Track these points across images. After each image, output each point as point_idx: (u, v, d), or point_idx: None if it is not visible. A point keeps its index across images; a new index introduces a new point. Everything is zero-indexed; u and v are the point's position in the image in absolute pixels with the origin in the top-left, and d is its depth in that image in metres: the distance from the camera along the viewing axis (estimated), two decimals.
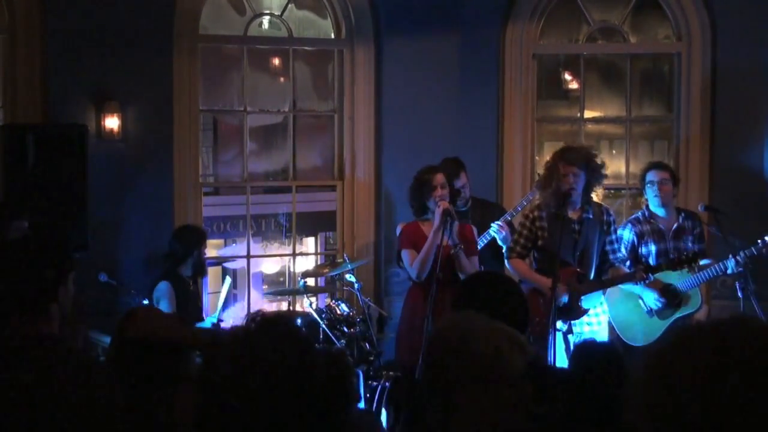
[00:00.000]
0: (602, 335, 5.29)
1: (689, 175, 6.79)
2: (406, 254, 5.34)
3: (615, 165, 7.33)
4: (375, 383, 5.59)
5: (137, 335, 2.51)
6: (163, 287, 5.69)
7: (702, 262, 5.44)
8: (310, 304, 6.18)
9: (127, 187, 6.45)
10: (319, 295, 6.92)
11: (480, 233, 5.66)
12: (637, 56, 7.33)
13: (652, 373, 1.19)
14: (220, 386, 1.70)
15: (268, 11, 7.40)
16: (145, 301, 5.65)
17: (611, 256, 5.37)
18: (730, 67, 6.80)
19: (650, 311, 5.64)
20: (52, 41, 6.27)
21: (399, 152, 6.94)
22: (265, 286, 10.00)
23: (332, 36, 7.28)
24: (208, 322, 5.88)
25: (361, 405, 5.26)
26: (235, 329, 1.81)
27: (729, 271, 5.46)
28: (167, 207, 6.56)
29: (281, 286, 9.54)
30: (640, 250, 5.75)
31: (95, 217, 6.06)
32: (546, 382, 2.33)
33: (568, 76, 7.87)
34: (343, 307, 6.18)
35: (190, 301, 5.84)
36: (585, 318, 5.23)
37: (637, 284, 5.40)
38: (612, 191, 7.37)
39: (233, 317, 7.42)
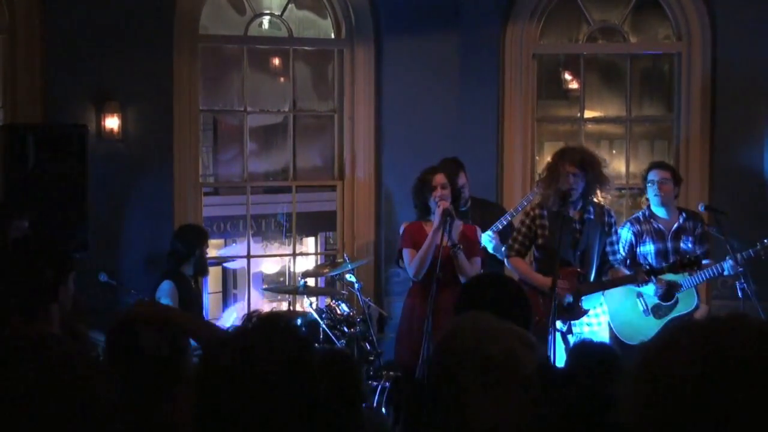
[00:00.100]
0: (602, 336, 5.29)
1: (689, 175, 6.78)
2: (406, 253, 5.34)
3: (615, 165, 7.33)
4: (375, 383, 5.59)
5: (146, 316, 2.52)
6: (165, 286, 5.70)
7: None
8: (310, 304, 6.18)
9: (127, 187, 6.45)
10: (319, 295, 6.92)
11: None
12: (637, 56, 7.33)
13: (641, 370, 1.19)
14: (218, 385, 1.70)
15: (268, 11, 7.40)
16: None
17: (611, 258, 5.37)
18: (730, 67, 6.80)
19: (646, 310, 5.65)
20: (52, 41, 6.27)
21: (399, 152, 6.94)
22: (265, 286, 10.01)
23: (332, 36, 7.28)
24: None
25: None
26: (233, 328, 1.81)
27: (726, 273, 5.46)
28: (167, 207, 6.56)
29: (281, 286, 9.54)
30: (637, 250, 5.76)
31: (95, 217, 6.06)
32: (554, 382, 2.34)
33: (568, 76, 7.87)
34: (343, 307, 6.18)
35: (192, 300, 5.84)
36: (585, 318, 5.23)
37: (639, 286, 5.41)
38: (612, 192, 7.36)
39: (232, 317, 7.43)
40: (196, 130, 6.88)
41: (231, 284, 12.64)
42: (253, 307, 7.59)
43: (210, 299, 7.80)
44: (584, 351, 3.21)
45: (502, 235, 5.80)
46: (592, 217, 5.28)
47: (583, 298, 5.16)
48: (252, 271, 7.73)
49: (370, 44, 7.05)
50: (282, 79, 8.18)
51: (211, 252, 6.53)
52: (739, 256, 5.38)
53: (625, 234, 5.77)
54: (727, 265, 5.41)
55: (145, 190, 6.48)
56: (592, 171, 5.19)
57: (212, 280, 8.96)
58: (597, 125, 7.76)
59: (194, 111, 6.79)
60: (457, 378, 2.11)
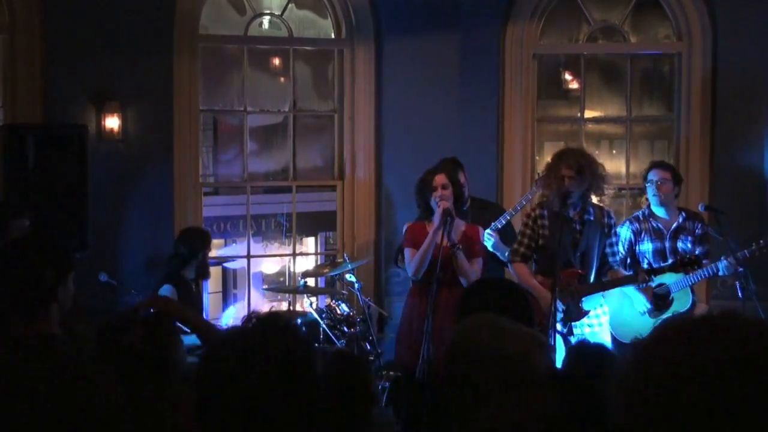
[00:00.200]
0: (604, 336, 5.28)
1: (689, 175, 6.78)
2: (407, 253, 5.34)
3: (615, 165, 7.33)
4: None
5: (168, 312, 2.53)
6: (166, 290, 5.69)
7: None
8: (311, 304, 6.18)
9: (127, 187, 6.45)
10: (319, 295, 6.92)
11: None
12: (637, 56, 7.33)
13: (632, 368, 1.19)
14: (219, 385, 1.70)
15: (268, 11, 7.40)
16: None
17: (611, 259, 5.37)
18: (730, 67, 6.80)
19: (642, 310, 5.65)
20: (52, 41, 6.27)
21: (399, 152, 6.94)
22: (265, 286, 10.00)
23: (332, 36, 7.28)
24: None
25: None
26: (233, 327, 1.81)
27: (721, 273, 5.46)
28: (167, 207, 6.56)
29: (281, 286, 9.53)
30: (636, 248, 5.76)
31: (95, 217, 6.06)
32: (564, 384, 2.34)
33: (568, 76, 7.87)
34: (343, 307, 6.18)
35: (192, 304, 5.83)
36: (586, 320, 5.23)
37: (640, 286, 5.40)
38: (612, 191, 7.35)
39: (233, 317, 7.43)
40: (196, 130, 6.88)
41: (231, 284, 12.63)
42: (253, 307, 7.59)
43: (210, 299, 7.79)
44: (581, 352, 3.21)
45: (502, 234, 5.79)
46: (592, 218, 5.28)
47: (583, 299, 5.16)
48: (252, 271, 7.73)
49: (370, 44, 7.05)
50: (282, 79, 8.18)
51: (211, 252, 6.52)
52: (735, 256, 5.38)
53: (624, 232, 5.77)
54: (722, 265, 5.42)
55: (145, 190, 6.48)
56: (589, 174, 5.18)
57: (212, 280, 8.94)
58: (597, 125, 7.76)
59: (194, 111, 6.79)
60: (473, 379, 2.11)
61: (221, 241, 11.36)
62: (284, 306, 8.44)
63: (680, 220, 5.76)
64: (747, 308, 5.37)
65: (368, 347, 5.95)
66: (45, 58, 6.26)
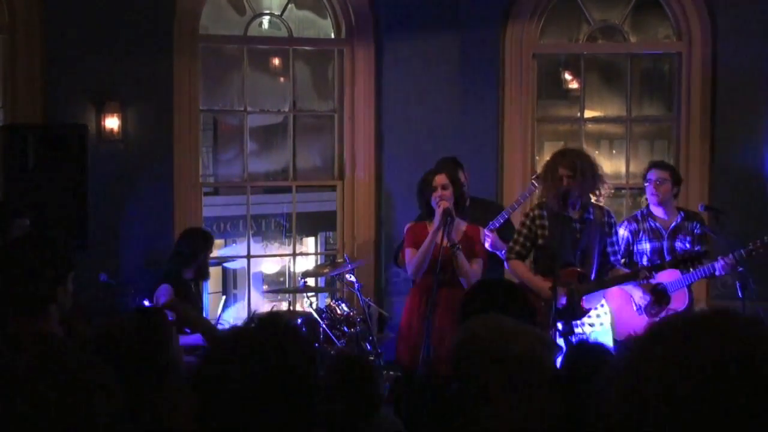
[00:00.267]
0: (605, 336, 5.27)
1: (689, 175, 6.78)
2: (407, 253, 5.33)
3: (615, 165, 7.33)
4: None
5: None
6: (164, 289, 5.68)
7: None
8: (311, 304, 6.18)
9: (127, 187, 6.45)
10: (320, 295, 6.92)
11: None
12: (637, 56, 7.33)
13: (623, 365, 1.19)
14: (218, 384, 1.70)
15: (268, 11, 7.40)
16: (146, 302, 5.65)
17: (612, 258, 5.36)
18: (730, 67, 6.80)
19: (639, 309, 5.65)
20: (52, 41, 6.27)
21: (399, 152, 6.94)
22: (265, 286, 10.01)
23: (332, 36, 7.28)
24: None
25: None
26: (234, 328, 1.81)
27: (717, 273, 5.46)
28: (167, 207, 6.56)
29: (281, 286, 9.54)
30: (634, 248, 5.76)
31: (95, 217, 6.06)
32: (563, 385, 2.34)
33: (568, 76, 7.87)
34: (343, 307, 6.18)
35: (191, 304, 5.82)
36: (587, 319, 5.22)
37: (641, 283, 5.40)
38: (612, 191, 7.34)
39: (233, 317, 7.43)
40: (196, 130, 6.88)
41: (231, 284, 12.65)
42: (253, 307, 7.60)
43: (210, 299, 7.79)
44: (579, 353, 3.21)
45: (501, 232, 5.79)
46: (591, 217, 5.28)
47: (584, 297, 5.15)
48: (252, 271, 7.73)
49: (370, 44, 7.05)
50: (282, 79, 8.19)
51: (212, 252, 6.52)
52: (730, 256, 5.38)
53: (622, 232, 5.77)
54: (719, 265, 5.42)
55: (145, 190, 6.48)
56: (589, 173, 5.18)
57: (212, 280, 8.95)
58: (597, 125, 7.76)
59: (194, 111, 6.79)
60: (479, 379, 2.11)
61: (221, 241, 11.37)
62: (284, 306, 8.44)
63: (678, 219, 5.76)
64: (747, 308, 5.37)
65: (368, 347, 5.95)
66: (45, 58, 6.27)
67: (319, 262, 8.62)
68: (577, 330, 5.15)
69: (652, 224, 5.76)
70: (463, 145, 6.59)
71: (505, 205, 6.48)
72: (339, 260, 6.76)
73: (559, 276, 4.94)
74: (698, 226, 5.77)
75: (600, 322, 5.30)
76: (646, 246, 5.73)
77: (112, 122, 6.35)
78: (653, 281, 5.42)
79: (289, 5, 7.20)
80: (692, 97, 6.93)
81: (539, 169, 5.84)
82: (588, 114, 7.36)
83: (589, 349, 3.34)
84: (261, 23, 7.43)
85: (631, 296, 5.64)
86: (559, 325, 4.93)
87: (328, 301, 6.65)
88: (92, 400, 1.44)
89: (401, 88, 6.98)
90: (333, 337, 5.88)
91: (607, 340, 5.25)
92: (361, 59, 7.07)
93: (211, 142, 11.04)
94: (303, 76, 7.84)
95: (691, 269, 5.38)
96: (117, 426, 1.48)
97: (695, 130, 6.92)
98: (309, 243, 11.81)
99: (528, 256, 5.42)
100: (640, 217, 5.83)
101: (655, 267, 5.23)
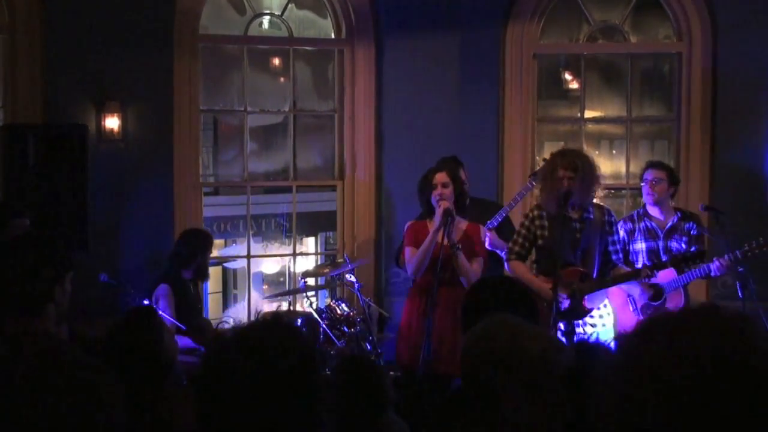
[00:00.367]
0: (607, 336, 5.26)
1: (689, 175, 6.78)
2: (407, 252, 5.33)
3: (615, 165, 7.33)
4: None
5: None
6: (163, 289, 5.68)
7: None
8: (311, 304, 6.17)
9: (127, 187, 6.45)
10: (320, 295, 6.92)
11: None
12: (637, 56, 7.33)
13: (614, 361, 1.19)
14: (219, 385, 1.70)
15: (268, 11, 7.40)
16: (146, 301, 5.64)
17: (614, 257, 5.36)
18: (730, 67, 6.79)
19: (636, 309, 5.65)
20: (52, 41, 6.27)
21: (399, 152, 6.94)
22: (265, 286, 10.01)
23: (332, 36, 7.28)
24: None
25: None
26: (234, 328, 1.81)
27: (713, 274, 5.46)
28: (167, 207, 6.56)
29: (281, 286, 9.54)
30: (629, 248, 5.77)
31: (95, 217, 6.06)
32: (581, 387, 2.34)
33: (568, 76, 7.87)
34: (344, 307, 6.17)
35: (190, 304, 5.82)
36: (589, 319, 5.22)
37: (643, 281, 5.40)
38: (612, 191, 7.36)
39: (233, 317, 7.43)
40: (196, 130, 6.88)
41: (231, 284, 12.65)
42: (253, 307, 7.60)
43: (210, 299, 7.80)
44: (580, 353, 3.21)
45: (500, 230, 5.79)
46: (591, 216, 5.27)
47: (586, 297, 5.15)
48: (252, 271, 7.73)
49: (370, 44, 7.05)
50: (282, 79, 8.19)
51: (212, 252, 6.52)
52: (726, 257, 5.38)
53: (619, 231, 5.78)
54: (714, 266, 5.42)
55: (145, 190, 6.48)
56: (588, 173, 5.17)
57: (212, 280, 8.95)
58: (597, 125, 7.76)
59: (194, 111, 6.79)
60: (493, 379, 2.10)
61: (221, 241, 11.37)
62: (284, 306, 8.45)
63: (675, 219, 5.76)
64: (747, 308, 5.37)
65: (368, 347, 5.95)
66: (45, 58, 6.26)
67: (319, 262, 8.61)
68: (578, 330, 5.14)
69: (648, 224, 5.76)
70: (464, 145, 6.58)
71: (504, 206, 6.49)
72: (339, 260, 6.76)
73: (560, 276, 4.94)
74: (695, 226, 5.77)
75: (603, 323, 5.29)
76: (641, 246, 5.73)
77: (112, 122, 6.35)
78: (653, 281, 5.42)
79: (290, 5, 7.20)
80: (692, 97, 6.93)
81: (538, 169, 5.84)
82: (588, 114, 7.36)
83: (589, 349, 3.34)
84: (261, 23, 7.43)
85: (631, 295, 5.64)
86: (561, 326, 4.92)
87: (328, 301, 6.64)
88: (92, 399, 1.44)
89: (401, 88, 6.97)
90: (333, 337, 5.88)
91: (608, 340, 5.24)
92: (361, 59, 7.06)
93: (211, 142, 11.05)
94: (303, 76, 7.84)
95: (686, 270, 5.39)
96: (117, 426, 1.48)
97: (695, 130, 6.92)
98: (309, 243, 11.81)
99: (528, 257, 5.42)
100: (636, 217, 5.83)
101: (657, 266, 5.23)
